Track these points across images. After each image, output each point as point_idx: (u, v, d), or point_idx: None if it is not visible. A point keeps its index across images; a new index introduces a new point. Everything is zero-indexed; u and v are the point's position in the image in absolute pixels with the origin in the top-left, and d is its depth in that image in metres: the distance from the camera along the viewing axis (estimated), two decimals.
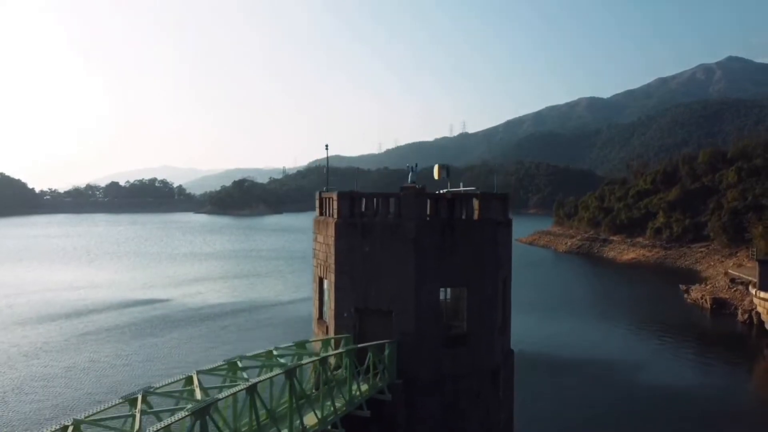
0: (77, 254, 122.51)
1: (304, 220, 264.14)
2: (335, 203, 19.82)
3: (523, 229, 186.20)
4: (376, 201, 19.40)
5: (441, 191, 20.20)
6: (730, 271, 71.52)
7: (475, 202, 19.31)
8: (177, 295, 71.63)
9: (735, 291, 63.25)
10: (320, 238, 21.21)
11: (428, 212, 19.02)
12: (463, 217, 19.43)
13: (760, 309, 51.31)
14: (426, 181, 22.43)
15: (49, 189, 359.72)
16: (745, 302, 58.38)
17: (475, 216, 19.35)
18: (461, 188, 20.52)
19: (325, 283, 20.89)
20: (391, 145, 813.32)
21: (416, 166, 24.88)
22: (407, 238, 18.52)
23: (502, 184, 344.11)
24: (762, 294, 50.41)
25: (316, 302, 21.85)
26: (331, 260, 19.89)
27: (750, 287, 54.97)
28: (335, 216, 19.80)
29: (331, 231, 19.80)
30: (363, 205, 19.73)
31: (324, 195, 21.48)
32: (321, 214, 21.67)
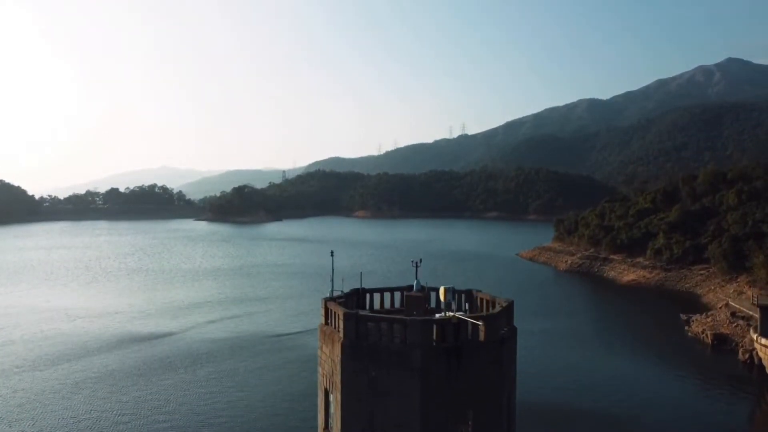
0: (77, 273, 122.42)
1: (305, 228, 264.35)
2: (341, 322, 19.89)
3: (523, 239, 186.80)
4: (382, 325, 19.45)
5: (447, 314, 20.29)
6: (731, 303, 71.70)
7: (481, 325, 19.40)
8: (174, 327, 71.26)
9: (736, 326, 63.44)
10: (326, 350, 21.28)
11: (434, 336, 19.09)
12: (469, 337, 19.53)
13: (761, 354, 51.49)
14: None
15: (49, 196, 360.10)
16: (746, 340, 58.54)
17: (481, 337, 19.45)
18: (467, 314, 20.58)
19: (331, 396, 20.98)
20: (390, 147, 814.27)
21: (420, 261, 24.93)
22: (414, 367, 18.62)
23: (502, 190, 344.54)
24: (763, 341, 50.64)
25: (322, 412, 21.93)
26: (337, 379, 19.98)
27: (751, 331, 55.11)
28: (341, 335, 19.86)
29: (338, 350, 19.86)
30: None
31: (330, 305, 21.53)
32: (326, 323, 21.73)
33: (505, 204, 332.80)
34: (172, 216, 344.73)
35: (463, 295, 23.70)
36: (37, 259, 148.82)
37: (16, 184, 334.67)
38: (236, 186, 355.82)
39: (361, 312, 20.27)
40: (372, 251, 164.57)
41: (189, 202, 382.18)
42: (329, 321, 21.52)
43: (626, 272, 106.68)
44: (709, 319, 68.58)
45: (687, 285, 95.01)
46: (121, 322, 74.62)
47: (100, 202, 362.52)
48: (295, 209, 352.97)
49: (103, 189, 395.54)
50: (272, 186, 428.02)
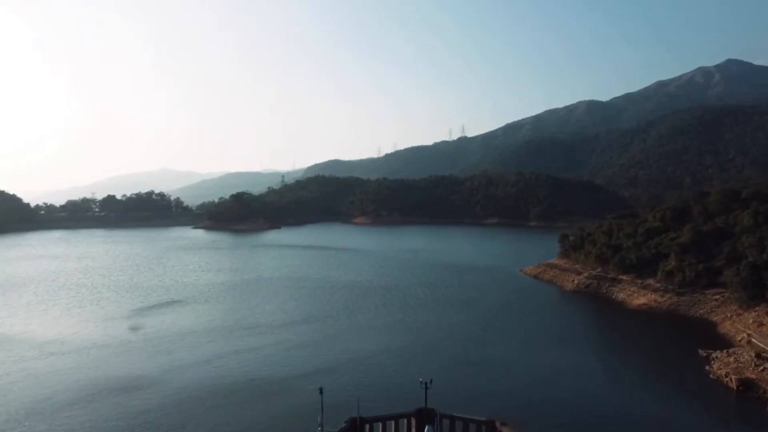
0: (63, 293, 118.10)
1: (304, 237, 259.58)
2: None
3: (525, 250, 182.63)
4: None
5: None
6: (754, 340, 67.49)
7: None
8: (154, 369, 65.50)
9: (762, 371, 59.22)
10: None
11: None
12: None
13: None
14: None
15: (44, 203, 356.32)
16: None
17: None
18: None
19: None
20: (390, 149, 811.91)
21: (431, 382, 20.72)
22: None
23: (502, 196, 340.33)
24: None
25: None
26: None
27: None
28: None
29: None
30: None
31: None
32: None
33: (505, 210, 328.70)
34: (170, 223, 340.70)
35: (483, 427, 19.53)
36: (26, 274, 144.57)
37: (14, 186, 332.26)
38: (235, 192, 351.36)
39: None
40: (371, 264, 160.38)
41: (186, 209, 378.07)
42: None
43: (636, 295, 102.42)
44: (731, 359, 64.30)
45: (701, 311, 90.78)
46: (96, 361, 69.68)
47: (96, 210, 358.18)
48: (294, 216, 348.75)
49: (102, 192, 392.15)
50: (271, 192, 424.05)
